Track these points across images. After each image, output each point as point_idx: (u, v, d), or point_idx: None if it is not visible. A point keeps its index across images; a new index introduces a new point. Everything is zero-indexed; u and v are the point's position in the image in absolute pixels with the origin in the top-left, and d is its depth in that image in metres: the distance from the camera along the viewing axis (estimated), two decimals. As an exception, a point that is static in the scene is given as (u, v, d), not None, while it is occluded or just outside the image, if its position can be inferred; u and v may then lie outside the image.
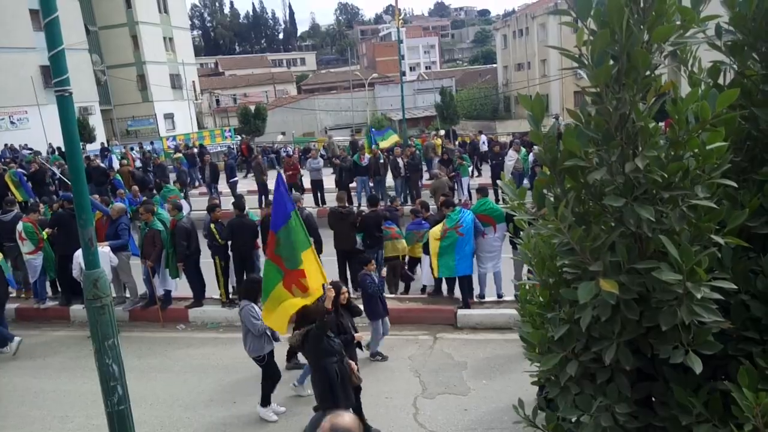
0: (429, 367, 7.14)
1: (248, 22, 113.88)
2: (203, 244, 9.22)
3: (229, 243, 8.99)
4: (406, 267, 9.48)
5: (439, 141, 21.41)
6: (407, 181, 16.04)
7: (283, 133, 39.25)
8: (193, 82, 46.50)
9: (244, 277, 9.00)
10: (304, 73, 79.77)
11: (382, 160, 16.36)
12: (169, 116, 42.82)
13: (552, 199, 1.92)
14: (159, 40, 42.93)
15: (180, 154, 22.65)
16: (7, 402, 6.90)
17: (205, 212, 9.97)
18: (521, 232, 2.36)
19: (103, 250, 8.07)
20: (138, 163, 22.35)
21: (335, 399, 4.98)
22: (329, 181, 17.58)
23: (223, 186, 18.49)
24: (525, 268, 7.97)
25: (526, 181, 14.62)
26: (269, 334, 6.04)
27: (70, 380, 7.38)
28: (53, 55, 3.97)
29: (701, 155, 1.83)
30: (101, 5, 40.04)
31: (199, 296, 9.29)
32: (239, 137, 35.09)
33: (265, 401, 6.23)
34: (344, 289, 5.82)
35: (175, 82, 43.54)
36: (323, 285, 5.35)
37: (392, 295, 9.21)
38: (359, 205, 15.30)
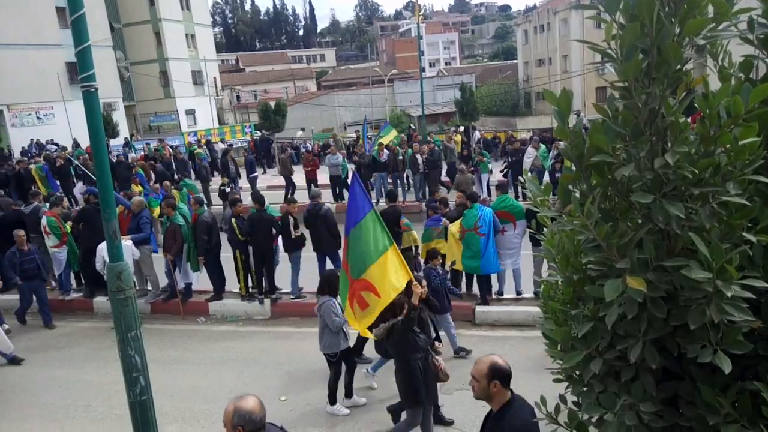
0: (447, 363, 7.11)
1: (269, 18, 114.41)
2: (224, 238, 9.31)
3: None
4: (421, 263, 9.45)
5: (459, 137, 21.31)
6: (426, 177, 16.00)
7: (303, 129, 39.43)
8: (215, 78, 46.91)
9: (264, 271, 9.12)
10: (324, 69, 79.95)
11: (400, 156, 16.34)
12: (190, 112, 43.27)
13: (578, 195, 1.90)
14: (181, 37, 43.36)
15: (201, 150, 22.86)
16: (31, 391, 7.06)
17: (226, 207, 10.10)
18: (544, 229, 2.34)
19: (126, 243, 8.20)
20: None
21: (418, 396, 4.89)
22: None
23: (243, 181, 18.66)
24: (545, 264, 7.92)
25: (546, 178, 14.49)
26: (345, 331, 5.93)
27: (94, 370, 7.52)
28: (79, 52, 4.02)
29: (733, 151, 1.79)
30: (125, 3, 40.57)
31: (219, 289, 9.40)
32: (259, 133, 35.34)
33: (333, 399, 6.17)
34: (424, 282, 5.55)
35: (197, 78, 43.97)
36: (409, 281, 5.06)
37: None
38: (377, 200, 15.31)
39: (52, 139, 28.99)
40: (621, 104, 1.88)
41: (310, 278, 9.52)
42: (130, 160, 18.83)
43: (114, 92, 35.69)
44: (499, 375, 3.00)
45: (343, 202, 15.90)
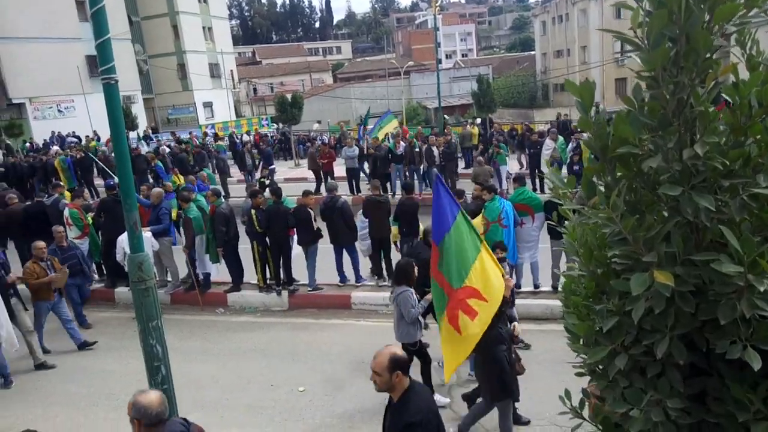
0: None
1: (285, 11, 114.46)
2: (242, 230, 9.38)
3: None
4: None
5: (476, 130, 21.16)
6: (443, 170, 15.93)
7: (319, 122, 39.48)
8: (231, 71, 47.12)
9: (281, 263, 9.17)
10: (340, 61, 79.89)
11: (417, 149, 16.28)
12: (208, 105, 43.57)
13: (602, 187, 1.86)
14: (198, 30, 43.61)
15: (222, 142, 22.99)
16: (55, 379, 7.20)
17: (245, 199, 10.16)
18: (565, 222, 2.30)
19: (146, 235, 8.29)
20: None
21: (505, 387, 4.78)
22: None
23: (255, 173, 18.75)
24: (563, 257, 7.81)
25: (564, 170, 14.34)
26: (421, 321, 5.85)
27: (115, 360, 7.65)
28: (100, 44, 4.06)
29: (764, 142, 1.74)
30: (143, -4, 40.92)
31: (237, 281, 9.48)
32: (275, 125, 35.47)
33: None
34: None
35: (214, 71, 44.22)
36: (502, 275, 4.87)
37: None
38: (393, 193, 15.29)
39: (73, 132, 29.43)
40: (647, 94, 1.84)
41: (325, 270, 9.61)
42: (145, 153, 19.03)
43: (133, 85, 36.05)
44: (400, 365, 3.13)
45: (360, 194, 15.92)
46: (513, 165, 17.62)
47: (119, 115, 4.15)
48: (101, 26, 3.99)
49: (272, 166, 18.65)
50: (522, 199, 8.35)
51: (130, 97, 34.71)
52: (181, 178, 14.24)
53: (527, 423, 5.62)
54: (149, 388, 4.30)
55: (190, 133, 27.77)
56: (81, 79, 31.40)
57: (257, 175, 18.03)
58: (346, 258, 9.37)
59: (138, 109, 36.07)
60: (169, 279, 9.78)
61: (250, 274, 9.57)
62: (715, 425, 1.74)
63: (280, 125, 34.04)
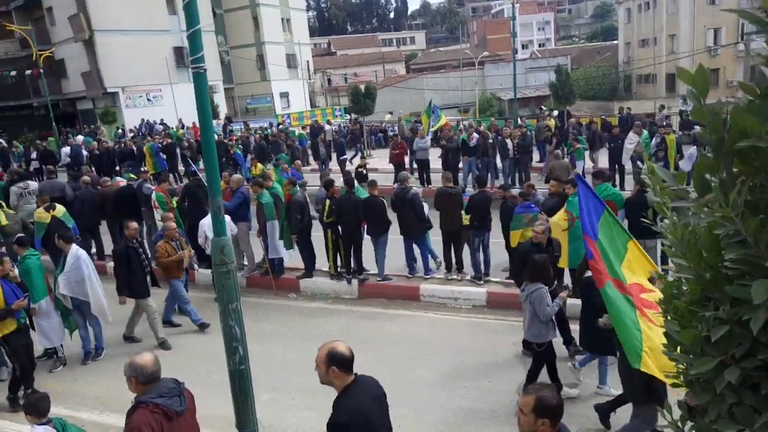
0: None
1: (360, 2, 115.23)
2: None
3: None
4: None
5: (552, 122, 20.44)
6: (517, 163, 15.52)
7: (391, 113, 39.53)
8: (308, 61, 48.07)
9: (352, 252, 9.27)
10: (414, 52, 79.55)
11: (490, 140, 15.94)
12: (284, 95, 44.71)
13: (717, 185, 1.70)
14: (277, 22, 44.77)
15: (303, 131, 23.44)
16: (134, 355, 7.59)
17: (319, 188, 10.34)
18: (664, 221, 2.13)
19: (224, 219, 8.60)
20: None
21: (654, 391, 4.44)
22: (435, 161, 17.47)
23: (332, 163, 19.06)
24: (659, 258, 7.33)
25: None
26: (553, 320, 5.70)
27: (194, 338, 8.02)
28: (191, 34, 4.17)
29: None
30: (227, -11, 42.51)
31: (309, 267, 9.67)
32: (348, 116, 35.87)
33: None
34: None
35: (291, 61, 45.27)
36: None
37: (497, 279, 9.02)
38: (465, 186, 15.06)
39: (161, 119, 31.06)
40: (774, 82, 1.65)
41: (394, 261, 9.61)
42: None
43: (215, 75, 37.55)
44: (336, 360, 3.15)
45: (430, 186, 15.81)
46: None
47: (206, 104, 4.28)
48: (193, 17, 4.12)
49: (344, 157, 18.87)
50: (606, 196, 7.95)
51: (212, 87, 36.22)
52: (260, 166, 14.66)
53: None
54: (228, 367, 4.46)
55: (270, 124, 28.54)
56: (168, 69, 33.08)
57: (351, 164, 18.11)
58: (416, 250, 9.34)
59: (219, 99, 37.60)
60: (245, 263, 10.12)
61: (322, 262, 9.74)
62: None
63: (353, 115, 34.41)
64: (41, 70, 26.41)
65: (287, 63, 45.01)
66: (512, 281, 8.86)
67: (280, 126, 27.17)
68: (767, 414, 1.59)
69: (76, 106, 37.81)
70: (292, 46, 44.80)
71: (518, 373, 6.50)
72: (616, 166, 14.50)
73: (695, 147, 12.97)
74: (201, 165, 16.24)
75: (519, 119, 21.08)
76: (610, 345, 5.07)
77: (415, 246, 9.36)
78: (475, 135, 16.13)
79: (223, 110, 37.41)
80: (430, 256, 9.52)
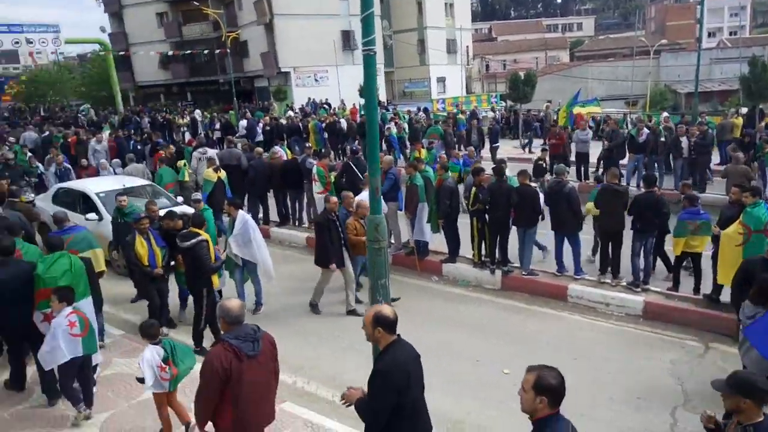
0: (695, 378, 6.26)
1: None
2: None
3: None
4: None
5: (739, 120, 18.03)
6: (693, 164, 13.98)
7: (550, 102, 37.83)
8: (467, 47, 47.70)
9: (498, 241, 9.08)
10: (580, 38, 75.07)
11: (663, 138, 14.55)
12: (441, 80, 44.96)
13: None
14: (441, 6, 44.95)
15: (462, 116, 23.43)
16: (292, 319, 8.19)
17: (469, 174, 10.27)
18: None
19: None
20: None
21: None
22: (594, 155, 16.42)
23: (485, 151, 18.79)
24: None
25: None
26: None
27: (337, 302, 8.49)
28: (364, 18, 4.34)
29: None
30: (394, -26, 43.56)
31: (453, 253, 9.70)
32: (503, 103, 35.03)
33: None
34: None
35: (451, 47, 45.27)
36: None
37: (656, 288, 8.28)
38: (628, 183, 13.94)
39: (326, 99, 33.05)
40: None
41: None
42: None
43: (378, 58, 38.80)
44: (381, 322, 3.53)
45: (588, 181, 14.91)
46: None
47: (374, 85, 4.44)
48: (367, 1, 4.27)
49: (496, 144, 18.52)
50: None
51: (375, 70, 37.61)
52: (423, 151, 14.84)
53: None
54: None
55: (417, 108, 28.84)
56: (335, 51, 34.95)
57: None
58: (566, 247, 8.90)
59: (379, 82, 38.92)
60: (392, 241, 10.44)
61: (466, 249, 9.71)
62: None
63: (508, 102, 33.53)
64: (228, 50, 29.38)
65: (447, 48, 45.09)
66: (673, 292, 8.10)
67: (455, 110, 27.02)
68: None
69: (254, 84, 41.71)
70: (453, 31, 44.70)
71: (674, 396, 5.95)
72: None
73: None
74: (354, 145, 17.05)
75: (699, 116, 18.93)
76: None
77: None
78: (645, 130, 14.80)
79: (381, 93, 38.70)
80: (536, 247, 9.24)
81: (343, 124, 20.73)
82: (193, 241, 6.70)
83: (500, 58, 61.66)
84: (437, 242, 10.08)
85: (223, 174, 11.61)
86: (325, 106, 30.91)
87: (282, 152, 13.99)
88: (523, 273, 9.01)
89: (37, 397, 5.94)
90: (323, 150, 15.21)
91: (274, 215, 12.68)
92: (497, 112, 26.03)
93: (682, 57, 43.56)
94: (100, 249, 7.37)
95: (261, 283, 8.32)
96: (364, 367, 4.24)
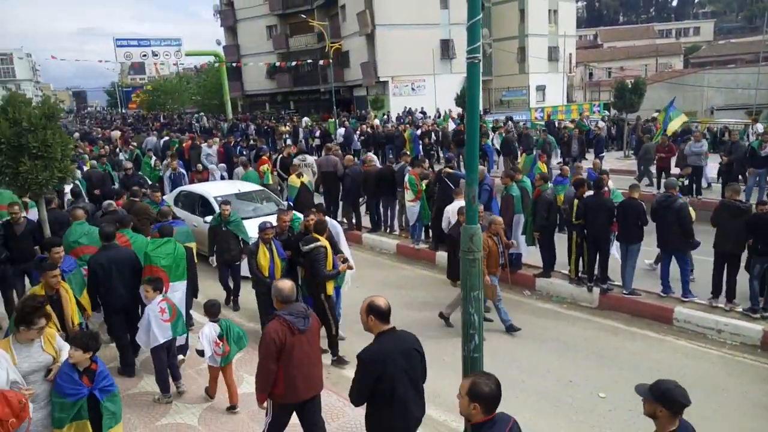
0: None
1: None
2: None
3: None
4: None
5: None
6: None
7: (658, 111, 35.53)
8: (570, 54, 45.97)
9: (597, 258, 8.64)
10: (696, 44, 69.83)
11: (791, 152, 13.17)
12: (540, 88, 43.69)
13: None
14: (544, 13, 43.74)
15: (570, 124, 22.64)
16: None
17: (568, 186, 9.90)
18: None
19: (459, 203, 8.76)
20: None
21: None
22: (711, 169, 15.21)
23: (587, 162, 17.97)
24: None
25: None
26: None
27: (426, 313, 8.39)
28: (470, 26, 4.29)
29: None
30: (497, -18, 43.05)
31: (548, 267, 9.37)
32: (606, 112, 33.31)
33: None
34: None
35: (552, 54, 43.90)
36: None
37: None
38: (746, 201, 12.74)
39: (422, 107, 33.24)
40: None
41: (646, 276, 8.69)
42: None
43: (477, 67, 38.60)
44: (374, 311, 3.75)
45: (700, 197, 13.84)
46: None
47: (477, 93, 4.41)
48: (474, 8, 4.25)
49: (602, 154, 17.70)
50: None
51: (472, 78, 37.33)
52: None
53: None
54: (462, 353, 4.59)
55: (507, 118, 28.15)
56: (434, 60, 35.06)
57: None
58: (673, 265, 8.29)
59: (477, 90, 38.54)
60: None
61: (561, 263, 9.34)
62: None
63: (611, 112, 31.86)
64: (330, 61, 30.43)
65: (548, 56, 43.79)
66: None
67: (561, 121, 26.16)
68: None
69: (352, 93, 42.86)
70: (556, 39, 43.32)
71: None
72: None
73: None
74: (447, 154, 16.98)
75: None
76: None
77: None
78: (773, 144, 13.48)
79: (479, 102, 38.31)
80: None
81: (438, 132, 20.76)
82: (311, 246, 6.70)
83: (605, 65, 58.82)
84: (531, 256, 9.79)
85: (305, 179, 12.18)
86: (420, 114, 31.10)
87: (376, 159, 14.25)
88: (624, 292, 8.51)
89: (144, 384, 6.44)
90: (418, 158, 15.29)
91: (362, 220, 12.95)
92: (605, 121, 24.79)
93: (818, 63, 39.08)
94: (195, 244, 8.13)
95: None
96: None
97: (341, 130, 24.06)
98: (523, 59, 43.13)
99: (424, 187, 11.24)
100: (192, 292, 7.45)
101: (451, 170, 10.86)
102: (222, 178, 16.04)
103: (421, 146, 19.82)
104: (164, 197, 12.66)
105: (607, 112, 33.27)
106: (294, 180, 12.02)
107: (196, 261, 8.07)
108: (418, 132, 21.24)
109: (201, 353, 5.64)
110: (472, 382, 3.03)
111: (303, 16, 36.43)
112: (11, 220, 7.58)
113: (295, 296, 4.34)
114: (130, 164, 12.68)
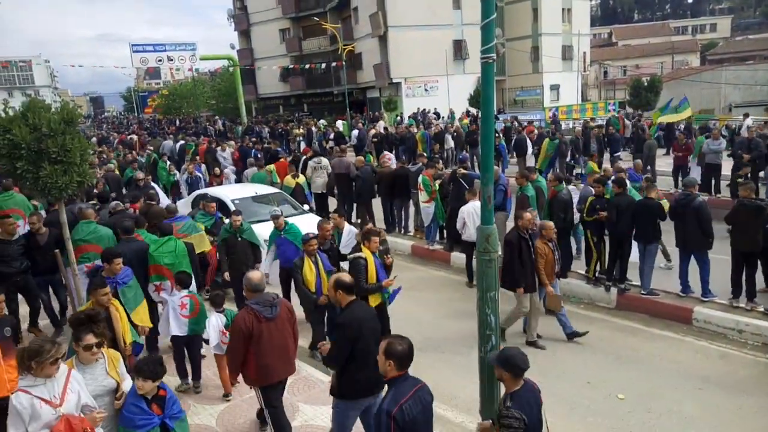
0: None
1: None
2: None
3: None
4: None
5: None
6: None
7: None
8: (584, 53, 45.56)
9: (617, 258, 8.53)
10: (713, 40, 68.92)
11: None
12: (554, 87, 43.33)
13: None
14: (557, 12, 43.37)
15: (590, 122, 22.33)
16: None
17: (583, 185, 9.82)
18: None
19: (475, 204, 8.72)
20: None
21: None
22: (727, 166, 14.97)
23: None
24: None
25: None
26: None
27: (441, 314, 8.40)
28: (485, 25, 4.25)
29: None
30: (511, -19, 42.83)
31: (564, 267, 9.27)
32: (622, 111, 32.99)
33: None
34: None
35: (566, 53, 43.53)
36: None
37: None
38: (764, 199, 12.52)
39: (434, 108, 33.14)
40: None
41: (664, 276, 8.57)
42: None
43: (489, 67, 38.41)
44: (341, 286, 4.37)
45: (719, 196, 13.64)
46: None
47: (491, 94, 4.37)
48: (488, 8, 4.22)
49: (617, 154, 17.50)
50: None
51: (485, 78, 37.17)
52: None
53: None
54: (478, 354, 4.56)
55: (512, 118, 27.83)
56: (446, 61, 34.93)
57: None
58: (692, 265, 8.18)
59: (491, 90, 38.39)
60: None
61: (578, 263, 9.25)
62: None
63: (626, 110, 31.52)
64: (343, 63, 30.49)
65: (562, 54, 43.41)
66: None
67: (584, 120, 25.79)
68: None
69: (366, 94, 42.91)
70: (570, 37, 42.96)
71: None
72: None
73: None
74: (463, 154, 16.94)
75: None
76: None
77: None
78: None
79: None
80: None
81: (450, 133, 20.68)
82: (351, 256, 6.58)
83: (620, 63, 58.27)
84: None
85: (301, 179, 12.73)
86: (433, 115, 31.03)
87: (394, 159, 14.26)
88: (642, 292, 8.41)
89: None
90: (431, 159, 15.25)
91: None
92: (630, 121, 24.42)
93: (838, 58, 38.35)
94: (203, 233, 8.59)
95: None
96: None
97: (355, 132, 24.10)
98: (537, 58, 42.82)
99: (437, 187, 11.21)
100: (197, 285, 7.51)
101: (465, 170, 10.82)
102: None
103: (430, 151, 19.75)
104: (180, 201, 12.82)
105: (620, 110, 32.94)
106: (289, 181, 12.63)
107: (208, 247, 8.49)
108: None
109: (206, 341, 5.92)
110: (388, 342, 3.48)
111: (316, 18, 36.57)
112: (32, 230, 7.67)
113: (264, 286, 4.70)
114: (142, 174, 12.80)
